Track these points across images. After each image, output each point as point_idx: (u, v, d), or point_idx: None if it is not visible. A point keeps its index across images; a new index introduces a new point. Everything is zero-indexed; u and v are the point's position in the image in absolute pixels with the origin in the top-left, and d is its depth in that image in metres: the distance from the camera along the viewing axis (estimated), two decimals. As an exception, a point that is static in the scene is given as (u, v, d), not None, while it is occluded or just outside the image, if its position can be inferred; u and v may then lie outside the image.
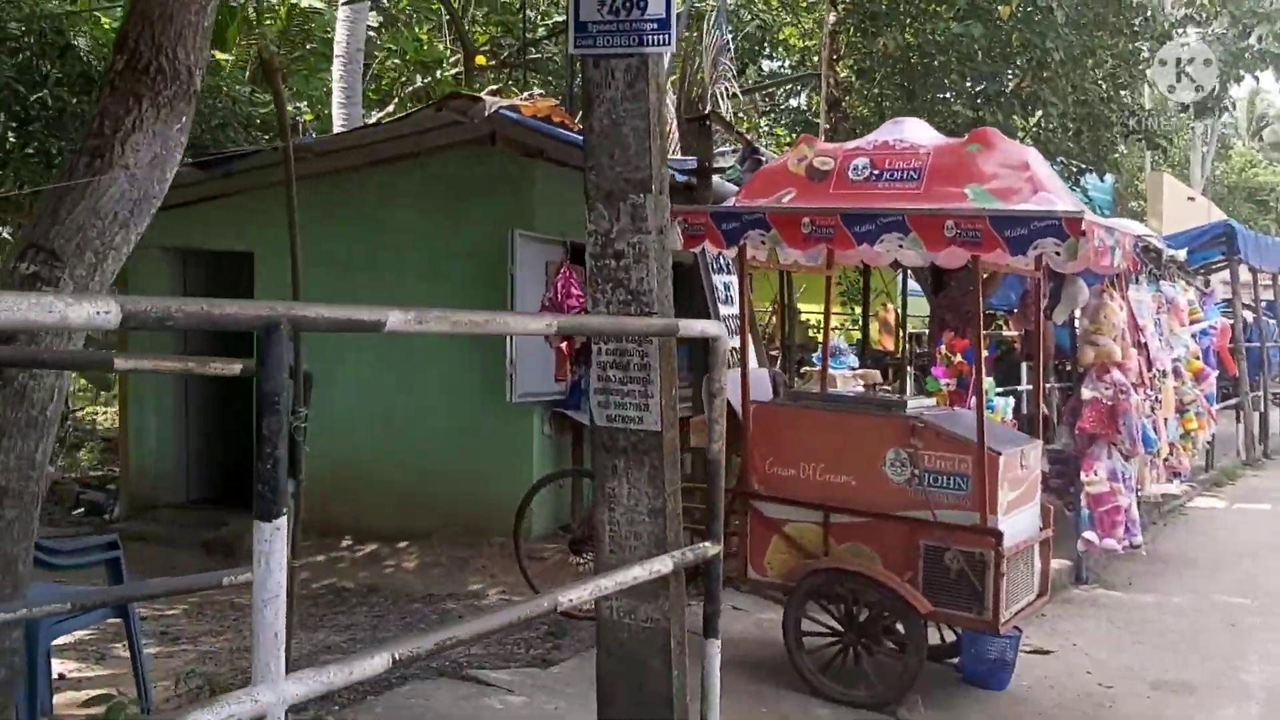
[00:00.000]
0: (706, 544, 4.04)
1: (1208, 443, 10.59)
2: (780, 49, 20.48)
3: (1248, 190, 43.93)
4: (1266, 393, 14.74)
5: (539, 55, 18.77)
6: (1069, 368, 9.06)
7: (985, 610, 5.06)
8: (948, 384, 6.63)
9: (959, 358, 6.75)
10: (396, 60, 16.92)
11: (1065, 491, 8.05)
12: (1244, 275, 15.56)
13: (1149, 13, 14.23)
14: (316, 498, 8.35)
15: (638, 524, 4.03)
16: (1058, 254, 4.82)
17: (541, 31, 18.31)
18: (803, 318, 16.68)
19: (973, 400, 7.21)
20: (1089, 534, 7.54)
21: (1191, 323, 10.08)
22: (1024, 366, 12.64)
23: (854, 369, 6.93)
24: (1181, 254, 10.33)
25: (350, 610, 6.87)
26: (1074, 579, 7.72)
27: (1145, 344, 8.50)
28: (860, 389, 7.12)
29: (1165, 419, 9.37)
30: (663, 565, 3.67)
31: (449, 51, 17.54)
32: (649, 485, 4.04)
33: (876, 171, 5.42)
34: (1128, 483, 7.67)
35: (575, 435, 8.27)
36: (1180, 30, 14.28)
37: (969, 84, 13.43)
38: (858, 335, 16.09)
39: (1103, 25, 13.56)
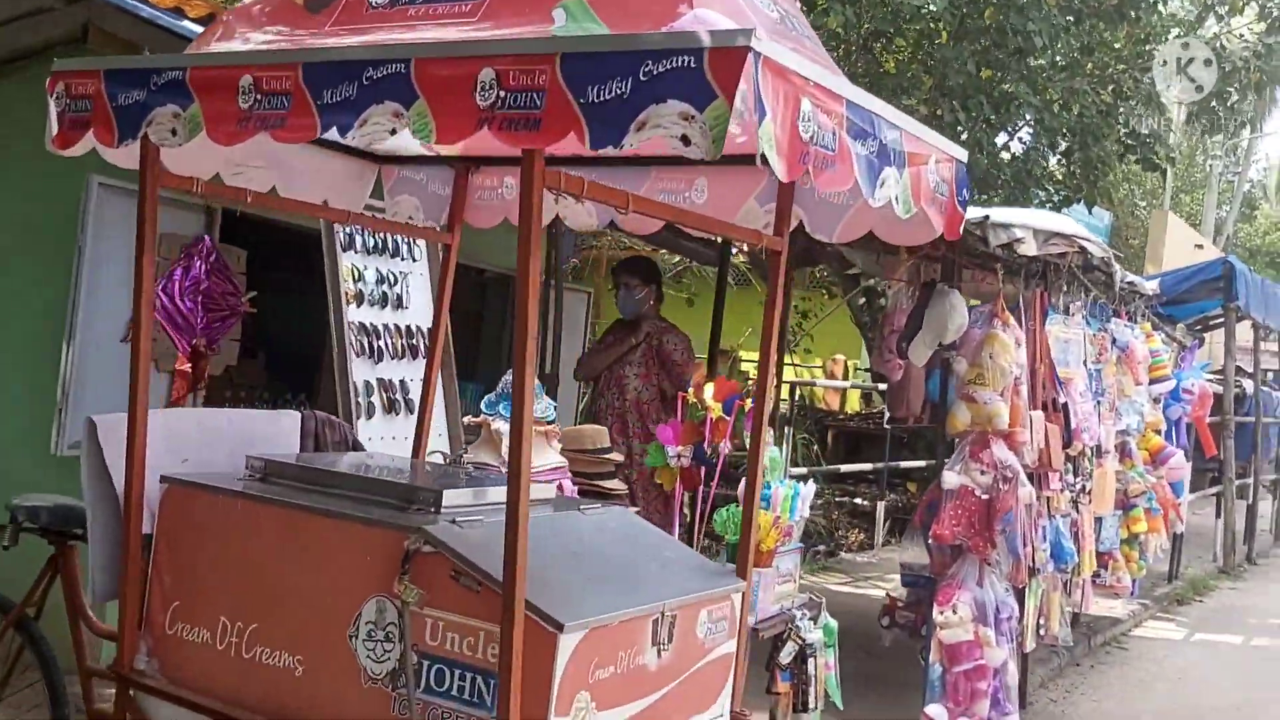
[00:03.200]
0: None
1: (1163, 549, 7.61)
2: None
3: (1270, 255, 40.67)
4: (1257, 480, 11.67)
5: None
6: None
7: None
8: (679, 455, 3.67)
9: (717, 410, 3.76)
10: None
11: (917, 631, 5.11)
12: (1246, 338, 12.56)
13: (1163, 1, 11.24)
14: None
15: None
16: (686, 139, 1.87)
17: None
18: (743, 367, 13.38)
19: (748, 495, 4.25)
20: (934, 709, 4.58)
21: (1153, 381, 7.10)
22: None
23: (550, 421, 3.90)
24: (1151, 285, 7.36)
25: None
26: (905, 773, 4.76)
27: (1066, 405, 5.55)
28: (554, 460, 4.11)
29: (1099, 517, 6.41)
30: None
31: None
32: None
33: (418, -12, 2.49)
34: (1005, 625, 4.71)
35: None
36: (1198, 27, 11.18)
37: (928, 73, 10.51)
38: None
39: (1103, 15, 10.59)
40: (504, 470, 3.32)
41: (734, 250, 8.01)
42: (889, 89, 10.28)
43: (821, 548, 9.16)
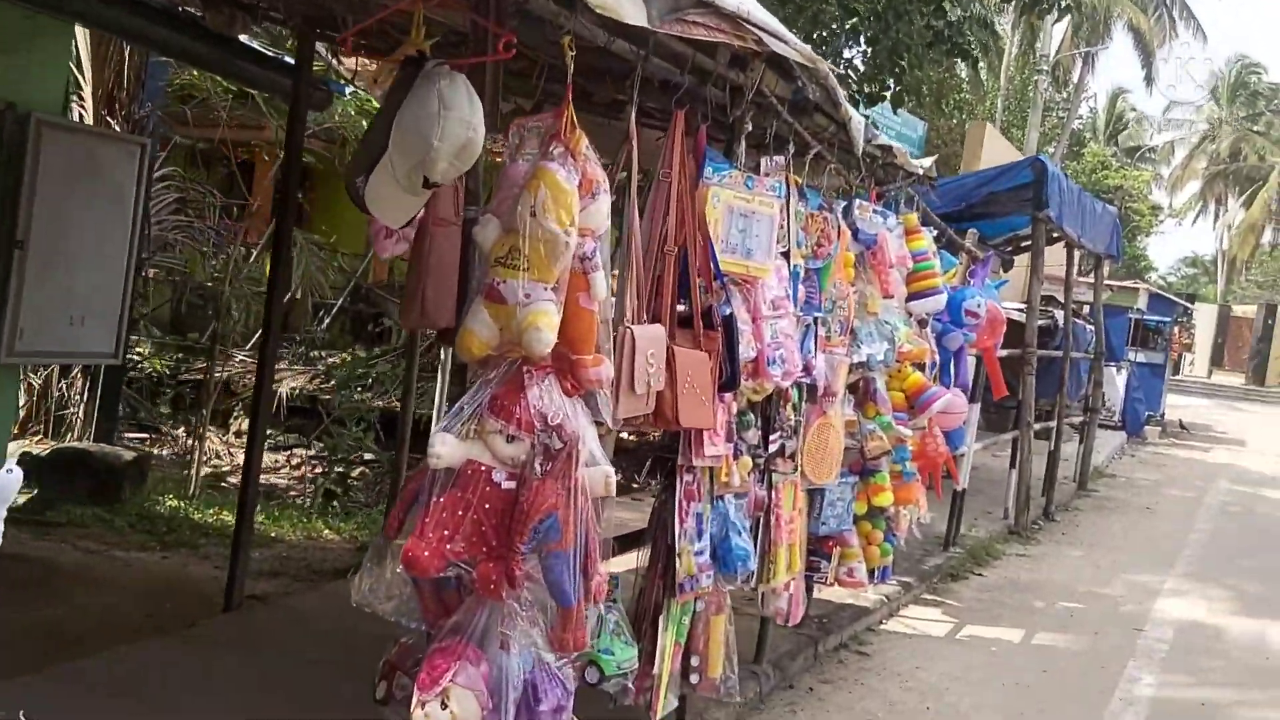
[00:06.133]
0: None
1: (920, 522, 5.55)
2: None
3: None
4: (1060, 422, 9.92)
5: None
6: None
7: None
8: None
9: None
10: None
11: None
12: (1059, 262, 10.74)
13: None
14: None
15: None
16: None
17: None
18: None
19: None
20: None
21: (915, 296, 4.95)
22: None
23: None
24: (924, 163, 5.20)
25: None
26: None
27: (732, 319, 3.30)
28: None
29: (817, 490, 4.28)
30: None
31: None
32: None
33: None
34: (547, 726, 2.47)
35: None
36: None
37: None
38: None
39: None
40: None
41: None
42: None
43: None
